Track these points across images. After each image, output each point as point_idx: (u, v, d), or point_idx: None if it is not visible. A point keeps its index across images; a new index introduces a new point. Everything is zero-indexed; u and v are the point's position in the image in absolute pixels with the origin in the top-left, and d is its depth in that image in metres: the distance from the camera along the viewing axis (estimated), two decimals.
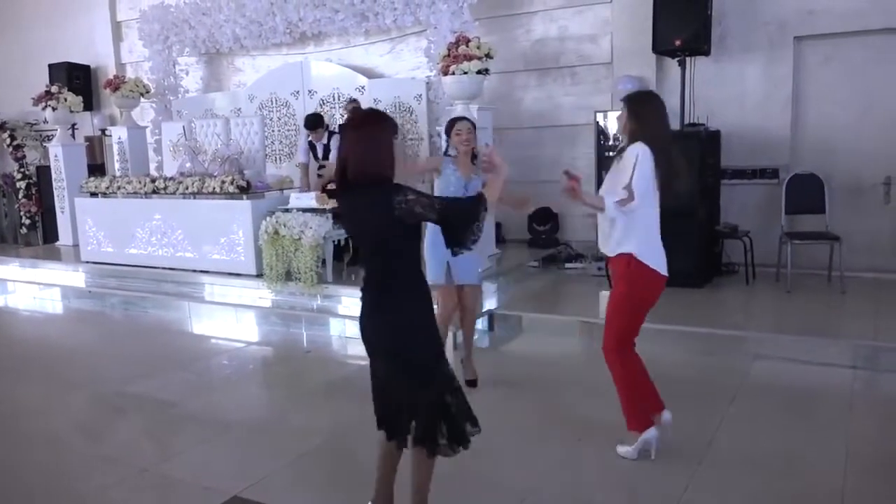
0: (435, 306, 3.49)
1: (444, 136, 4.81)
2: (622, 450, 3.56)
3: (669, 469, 3.43)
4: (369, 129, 2.64)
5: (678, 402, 4.25)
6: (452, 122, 4.63)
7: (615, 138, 7.36)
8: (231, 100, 9.66)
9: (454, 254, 2.68)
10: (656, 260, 3.43)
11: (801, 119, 6.95)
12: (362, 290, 2.72)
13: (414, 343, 2.66)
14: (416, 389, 2.66)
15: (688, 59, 6.73)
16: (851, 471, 3.35)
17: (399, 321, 2.64)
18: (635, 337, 3.59)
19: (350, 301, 6.32)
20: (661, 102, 3.48)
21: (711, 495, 3.21)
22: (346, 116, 7.68)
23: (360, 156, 2.57)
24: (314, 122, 7.35)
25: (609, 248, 3.48)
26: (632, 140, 3.36)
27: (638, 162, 3.25)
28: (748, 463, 3.48)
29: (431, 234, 4.38)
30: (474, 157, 4.53)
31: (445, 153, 4.75)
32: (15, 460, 3.90)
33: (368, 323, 2.72)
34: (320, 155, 7.44)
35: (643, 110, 3.41)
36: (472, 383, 4.59)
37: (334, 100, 8.84)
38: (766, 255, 6.60)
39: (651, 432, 3.49)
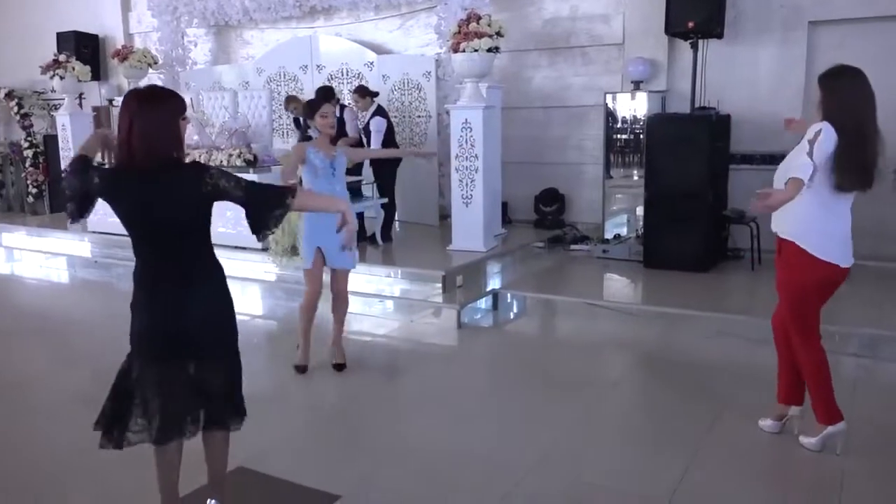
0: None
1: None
2: (806, 440, 3.42)
3: (669, 452, 3.45)
4: (156, 107, 2.43)
5: (684, 386, 4.29)
6: (318, 105, 4.44)
7: (624, 121, 7.32)
8: (239, 73, 9.62)
9: (259, 239, 2.57)
10: (822, 249, 3.23)
11: (813, 104, 6.86)
12: (156, 283, 2.53)
13: (232, 322, 2.67)
14: (231, 366, 2.69)
15: (700, 41, 6.67)
16: (851, 456, 3.36)
17: (222, 304, 2.61)
18: (818, 327, 3.42)
19: (353, 277, 6.30)
20: (861, 79, 3.24)
21: (712, 478, 3.23)
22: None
23: (150, 137, 2.37)
24: (323, 95, 7.29)
25: (776, 226, 3.36)
26: (824, 118, 3.19)
27: (820, 138, 3.08)
28: (746, 447, 3.49)
29: (308, 217, 4.39)
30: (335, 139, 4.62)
31: (305, 135, 4.61)
32: (19, 429, 3.94)
33: (183, 316, 2.51)
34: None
35: (835, 85, 3.23)
36: (339, 367, 4.56)
37: (343, 75, 8.80)
38: (773, 241, 6.55)
39: (840, 426, 3.35)
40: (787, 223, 3.30)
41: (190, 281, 2.52)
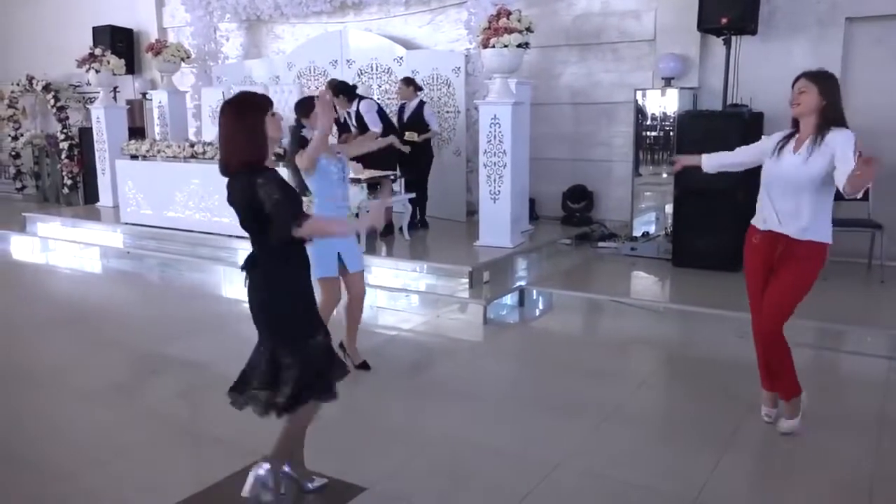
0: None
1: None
2: (789, 425, 3.54)
3: (696, 451, 3.43)
4: (234, 116, 2.70)
5: (710, 385, 4.25)
6: (311, 104, 4.14)
7: (654, 118, 7.25)
8: (270, 67, 9.70)
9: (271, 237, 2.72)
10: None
11: (847, 102, 6.56)
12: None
13: (267, 312, 2.84)
14: (270, 355, 2.83)
15: (733, 37, 6.58)
16: (882, 461, 3.32)
17: (261, 294, 2.81)
18: None
19: (380, 271, 6.38)
20: None
21: (738, 478, 3.21)
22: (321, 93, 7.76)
23: (229, 143, 2.70)
24: (337, 89, 7.35)
25: (796, 230, 3.38)
26: (825, 121, 3.33)
27: (855, 149, 3.20)
28: (776, 448, 3.46)
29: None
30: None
31: (300, 136, 4.31)
32: (57, 412, 4.04)
33: (248, 297, 2.86)
34: (354, 123, 7.45)
35: (837, 92, 3.40)
36: (366, 366, 4.49)
37: (372, 70, 8.83)
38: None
39: (803, 394, 3.56)
40: (818, 228, 3.37)
41: (249, 268, 2.83)
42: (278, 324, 2.80)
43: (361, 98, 7.47)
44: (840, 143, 3.24)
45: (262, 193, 2.61)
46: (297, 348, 2.79)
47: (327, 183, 4.17)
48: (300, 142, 4.20)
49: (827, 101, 3.35)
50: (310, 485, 3.08)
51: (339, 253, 4.19)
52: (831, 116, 3.34)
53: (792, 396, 3.55)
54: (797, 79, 3.48)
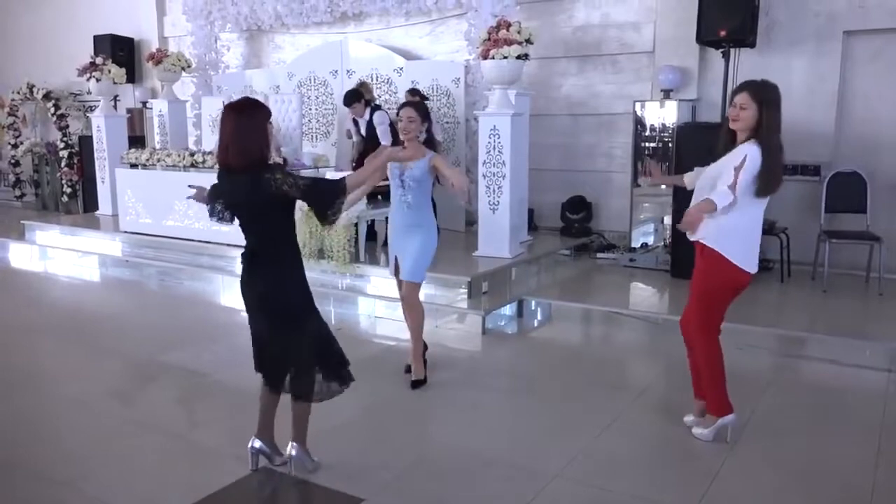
0: None
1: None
2: (698, 431, 3.65)
3: (696, 461, 3.43)
4: (249, 114, 2.96)
5: None
6: (399, 109, 4.32)
7: (653, 129, 7.27)
8: (270, 77, 9.72)
9: (322, 225, 3.06)
10: (740, 257, 3.43)
11: (846, 116, 6.80)
12: (243, 255, 3.15)
13: (283, 296, 3.08)
14: (287, 341, 3.10)
15: (732, 50, 6.61)
16: (882, 472, 3.31)
17: (268, 280, 3.07)
18: (720, 325, 3.64)
19: (379, 281, 6.37)
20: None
21: (738, 489, 3.20)
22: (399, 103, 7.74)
23: (241, 140, 2.91)
24: (349, 97, 7.38)
25: (698, 234, 3.49)
26: (753, 134, 3.31)
27: (746, 165, 3.23)
28: (775, 459, 3.45)
29: (389, 227, 4.34)
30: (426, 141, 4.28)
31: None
32: (55, 419, 4.03)
33: (248, 286, 3.13)
34: (363, 131, 7.46)
35: (775, 99, 3.35)
36: (413, 384, 4.39)
37: (372, 80, 8.85)
38: (803, 253, 6.50)
39: (730, 418, 3.59)
40: (711, 232, 3.43)
41: (255, 259, 3.11)
42: (300, 308, 3.13)
43: (376, 108, 7.48)
44: (733, 156, 3.30)
45: (284, 188, 2.88)
46: (309, 326, 3.15)
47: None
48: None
49: (765, 120, 3.29)
50: (279, 459, 3.31)
51: (395, 256, 4.43)
52: (765, 134, 3.29)
53: (714, 412, 3.59)
54: (737, 91, 3.42)
